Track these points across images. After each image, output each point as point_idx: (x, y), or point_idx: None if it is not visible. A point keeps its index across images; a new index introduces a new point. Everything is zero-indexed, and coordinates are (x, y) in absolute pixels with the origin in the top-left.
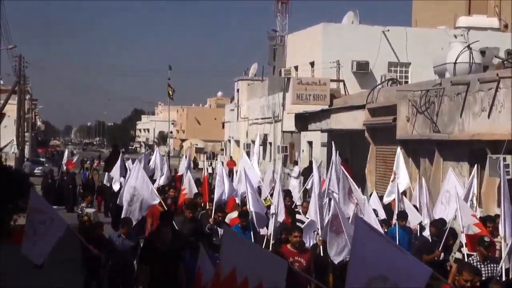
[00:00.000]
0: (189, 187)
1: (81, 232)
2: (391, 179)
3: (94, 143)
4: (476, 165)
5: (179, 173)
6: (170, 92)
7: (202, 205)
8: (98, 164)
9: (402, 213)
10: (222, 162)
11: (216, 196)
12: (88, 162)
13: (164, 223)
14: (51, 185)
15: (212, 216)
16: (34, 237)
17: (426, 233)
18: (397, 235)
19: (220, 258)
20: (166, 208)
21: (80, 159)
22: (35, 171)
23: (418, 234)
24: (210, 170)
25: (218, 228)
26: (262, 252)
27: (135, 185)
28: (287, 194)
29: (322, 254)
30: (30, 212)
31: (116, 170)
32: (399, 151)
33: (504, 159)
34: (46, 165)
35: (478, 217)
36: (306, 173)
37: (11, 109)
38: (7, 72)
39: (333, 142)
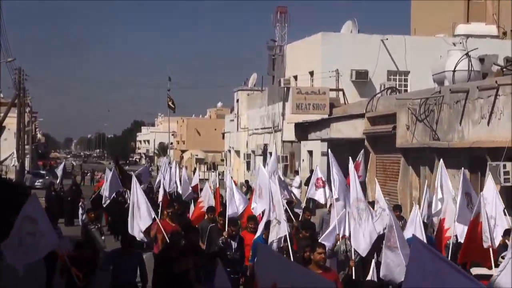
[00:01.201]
0: (205, 199)
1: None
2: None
3: (95, 155)
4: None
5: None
6: (170, 103)
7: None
8: (100, 176)
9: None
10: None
11: (229, 210)
12: (89, 174)
13: (188, 254)
14: (54, 197)
15: (226, 230)
16: (18, 247)
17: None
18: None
19: (256, 275)
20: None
21: (81, 171)
22: (35, 183)
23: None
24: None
25: (232, 241)
26: (305, 272)
27: (134, 202)
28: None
29: (354, 277)
30: (21, 218)
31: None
32: (442, 163)
33: (504, 166)
34: (47, 177)
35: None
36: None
37: (11, 122)
38: (7, 85)
39: (350, 158)
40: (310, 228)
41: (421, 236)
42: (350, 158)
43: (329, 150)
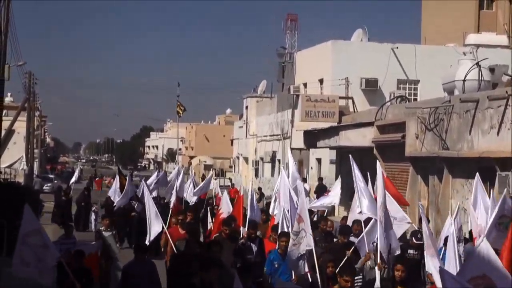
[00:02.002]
0: (224, 209)
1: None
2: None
3: (103, 160)
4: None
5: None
6: (179, 110)
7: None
8: (109, 182)
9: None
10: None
11: (250, 216)
12: (97, 179)
13: (213, 265)
14: (64, 202)
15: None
16: (39, 263)
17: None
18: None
19: None
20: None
21: (89, 175)
22: (44, 187)
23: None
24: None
25: (252, 244)
26: None
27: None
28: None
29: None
30: (25, 236)
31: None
32: (478, 178)
33: None
34: (55, 181)
35: None
36: (319, 190)
37: (20, 126)
38: (17, 89)
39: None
40: (348, 234)
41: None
42: (378, 162)
43: (352, 158)
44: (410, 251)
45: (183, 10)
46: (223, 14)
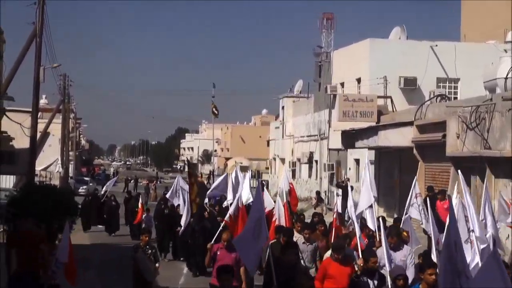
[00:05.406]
0: (279, 215)
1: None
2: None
3: (138, 162)
4: None
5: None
6: (214, 110)
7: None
8: (155, 184)
9: None
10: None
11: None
12: (132, 181)
13: None
14: (115, 207)
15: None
16: None
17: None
18: None
19: None
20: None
21: (124, 178)
22: (79, 190)
23: None
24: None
25: (368, 280)
26: None
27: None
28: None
29: None
30: None
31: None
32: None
33: None
34: (90, 184)
35: None
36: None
37: (55, 128)
38: (51, 91)
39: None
40: None
41: None
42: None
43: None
44: None
45: (216, 11)
46: (260, 14)
